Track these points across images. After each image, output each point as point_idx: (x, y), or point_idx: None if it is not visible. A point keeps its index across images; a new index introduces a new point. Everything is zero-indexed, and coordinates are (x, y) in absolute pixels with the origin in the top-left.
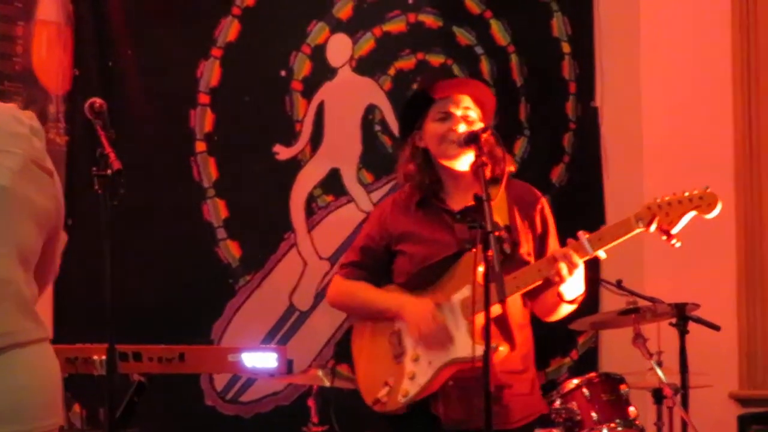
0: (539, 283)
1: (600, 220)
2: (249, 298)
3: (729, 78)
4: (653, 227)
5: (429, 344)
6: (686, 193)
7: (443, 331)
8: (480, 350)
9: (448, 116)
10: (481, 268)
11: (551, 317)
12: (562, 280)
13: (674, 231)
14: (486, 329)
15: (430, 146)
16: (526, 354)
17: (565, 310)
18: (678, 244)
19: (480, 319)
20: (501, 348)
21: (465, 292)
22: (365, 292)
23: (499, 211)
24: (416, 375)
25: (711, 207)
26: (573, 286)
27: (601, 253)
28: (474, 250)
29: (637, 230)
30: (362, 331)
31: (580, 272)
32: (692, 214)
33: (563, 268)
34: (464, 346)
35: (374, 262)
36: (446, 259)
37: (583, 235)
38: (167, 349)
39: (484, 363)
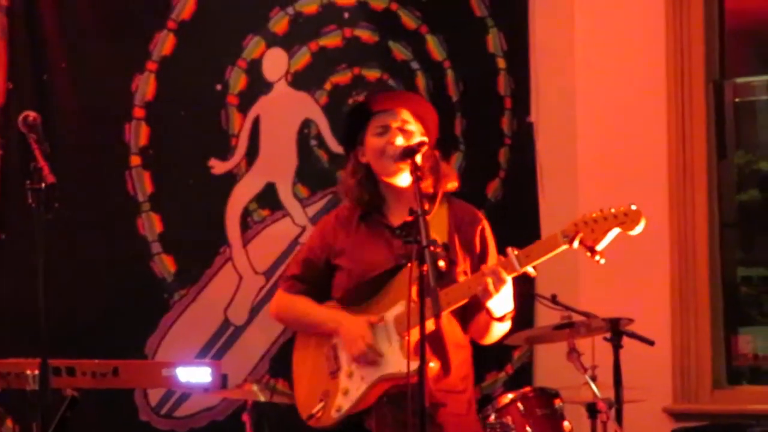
0: (466, 300)
1: (535, 235)
2: (184, 312)
3: (663, 94)
4: (576, 243)
5: (361, 364)
6: (612, 210)
7: (373, 351)
8: (411, 366)
9: (386, 130)
10: (415, 287)
11: (486, 339)
12: (489, 295)
13: (598, 248)
14: (421, 344)
15: (371, 161)
16: (465, 375)
17: (498, 329)
18: (602, 261)
19: (413, 335)
20: (431, 364)
21: (399, 308)
22: (304, 307)
23: (438, 229)
24: (349, 390)
25: (635, 224)
26: (501, 302)
27: (530, 269)
28: (409, 264)
29: (563, 247)
30: (304, 344)
31: (508, 288)
32: (616, 231)
33: (490, 283)
34: (396, 363)
35: (316, 275)
36: (383, 275)
37: (512, 252)
38: (101, 364)
39: (419, 378)
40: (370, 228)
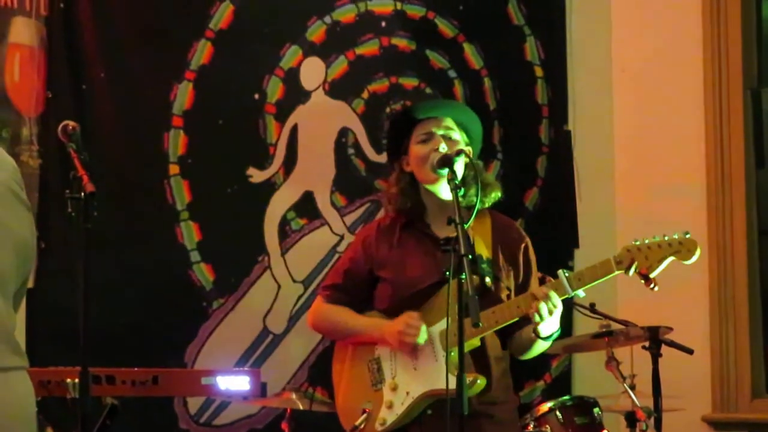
0: (516, 319)
1: (573, 244)
2: (223, 321)
3: (700, 102)
4: (632, 271)
5: (411, 352)
6: (666, 237)
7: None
8: (454, 382)
9: (430, 137)
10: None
11: (525, 355)
12: (542, 319)
13: (653, 275)
14: (460, 360)
15: (414, 169)
16: (506, 386)
17: (540, 347)
18: (656, 289)
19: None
20: (478, 381)
21: (444, 323)
22: (345, 317)
23: (481, 242)
24: (394, 404)
25: (690, 253)
26: (550, 324)
27: (580, 293)
28: (452, 280)
29: (617, 272)
30: (342, 354)
31: (559, 312)
32: (671, 259)
33: (543, 308)
34: (443, 378)
35: (356, 285)
36: (428, 288)
37: (563, 274)
38: (140, 372)
39: (457, 394)
40: (413, 239)
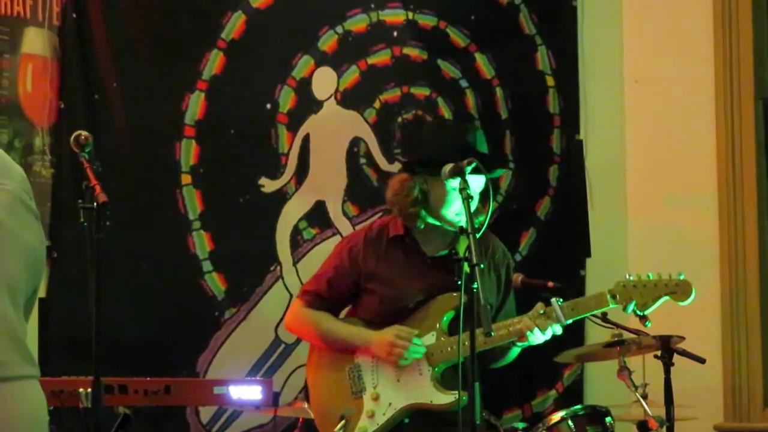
0: (507, 342)
1: (585, 253)
2: (235, 330)
3: (712, 111)
4: (630, 309)
5: (401, 366)
6: (661, 276)
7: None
8: (442, 398)
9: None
10: (445, 317)
11: (499, 363)
12: (528, 342)
13: (647, 312)
14: (471, 372)
15: (434, 202)
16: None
17: (513, 354)
18: (649, 325)
19: (442, 366)
20: (464, 398)
21: (430, 338)
22: (328, 323)
23: None
24: (375, 414)
25: (686, 295)
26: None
27: (570, 321)
28: (444, 294)
29: (611, 306)
30: (317, 360)
31: (546, 336)
32: (666, 298)
33: (534, 334)
34: (426, 393)
35: (339, 294)
36: (416, 304)
37: (556, 302)
38: (153, 382)
39: (469, 404)
40: (401, 253)
